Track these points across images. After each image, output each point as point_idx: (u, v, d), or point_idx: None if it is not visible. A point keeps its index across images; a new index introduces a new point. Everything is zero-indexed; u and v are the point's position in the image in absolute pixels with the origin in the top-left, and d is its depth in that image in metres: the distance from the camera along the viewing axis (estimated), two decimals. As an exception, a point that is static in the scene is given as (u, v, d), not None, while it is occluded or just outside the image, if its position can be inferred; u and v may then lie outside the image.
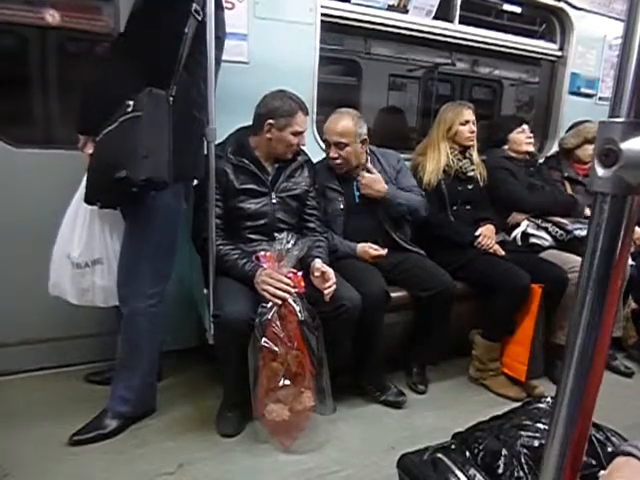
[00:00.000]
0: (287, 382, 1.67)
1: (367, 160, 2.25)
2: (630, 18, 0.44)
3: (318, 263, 1.81)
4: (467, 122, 2.40)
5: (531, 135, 2.68)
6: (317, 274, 1.78)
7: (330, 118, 2.17)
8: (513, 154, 2.65)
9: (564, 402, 0.52)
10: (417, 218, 2.27)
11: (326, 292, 1.74)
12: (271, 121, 1.88)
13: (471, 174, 2.44)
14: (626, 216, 0.47)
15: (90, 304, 1.79)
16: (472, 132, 2.42)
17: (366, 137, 2.16)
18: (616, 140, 0.44)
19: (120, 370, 1.77)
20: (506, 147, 2.68)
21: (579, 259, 0.54)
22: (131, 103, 1.44)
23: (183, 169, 1.58)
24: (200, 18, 1.53)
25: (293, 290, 1.71)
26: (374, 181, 2.16)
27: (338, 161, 2.15)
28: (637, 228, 2.55)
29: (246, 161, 1.91)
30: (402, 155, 2.43)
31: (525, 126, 2.67)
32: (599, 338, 0.50)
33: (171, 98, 1.50)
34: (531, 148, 2.69)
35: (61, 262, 1.74)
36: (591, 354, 0.51)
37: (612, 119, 0.46)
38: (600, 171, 0.46)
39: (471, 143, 2.44)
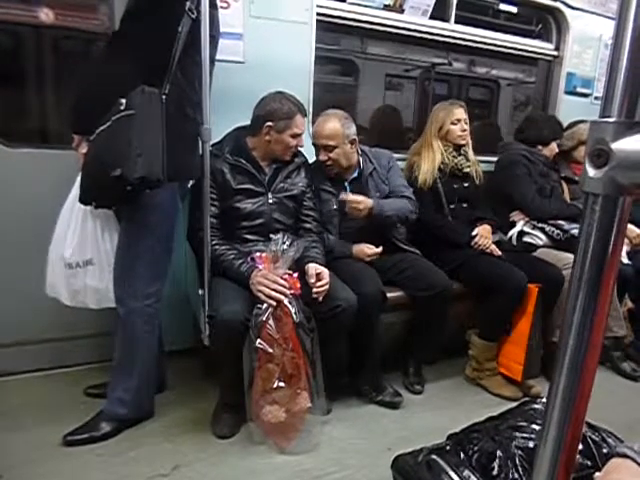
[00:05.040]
0: (282, 384, 1.67)
1: (359, 161, 2.23)
2: (621, 17, 0.44)
3: (312, 268, 1.80)
4: (458, 121, 2.38)
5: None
6: (312, 280, 1.77)
7: (317, 121, 2.13)
8: (536, 152, 2.65)
9: (556, 402, 0.52)
10: (406, 223, 2.25)
11: (315, 291, 1.73)
12: (270, 123, 1.87)
13: (467, 170, 2.42)
14: (617, 216, 0.46)
15: (82, 305, 1.78)
16: (464, 131, 2.40)
17: (355, 137, 2.13)
18: (607, 140, 0.44)
19: (117, 372, 1.75)
20: (540, 147, 2.66)
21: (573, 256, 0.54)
22: (123, 102, 1.44)
23: (177, 168, 1.57)
24: (194, 16, 1.52)
25: (288, 292, 1.71)
26: (359, 202, 2.07)
27: (328, 163, 2.13)
28: (634, 227, 2.56)
29: (243, 161, 1.90)
30: (399, 155, 2.42)
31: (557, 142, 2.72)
32: (591, 338, 0.50)
33: (164, 97, 1.49)
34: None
35: (55, 262, 1.73)
36: (583, 354, 0.50)
37: (603, 119, 0.45)
38: (591, 171, 0.45)
39: (463, 142, 2.42)
